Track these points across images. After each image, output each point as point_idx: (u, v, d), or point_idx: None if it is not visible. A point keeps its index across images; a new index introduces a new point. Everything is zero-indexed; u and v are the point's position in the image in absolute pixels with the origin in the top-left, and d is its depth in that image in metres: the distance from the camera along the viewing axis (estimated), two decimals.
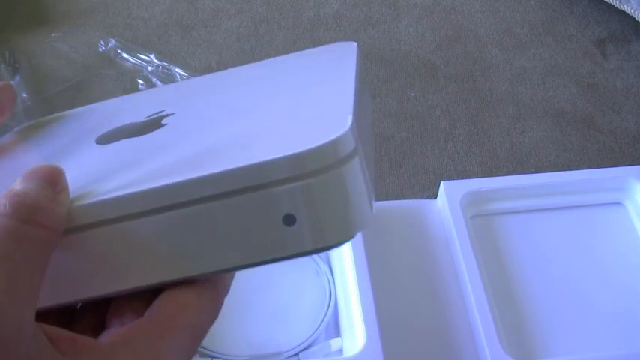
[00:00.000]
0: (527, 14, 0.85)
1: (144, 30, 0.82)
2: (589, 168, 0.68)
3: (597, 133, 0.73)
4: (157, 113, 0.32)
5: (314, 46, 0.37)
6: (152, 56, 0.77)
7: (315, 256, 0.60)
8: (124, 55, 0.78)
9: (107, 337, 0.26)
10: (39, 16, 0.83)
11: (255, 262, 0.26)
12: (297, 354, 0.55)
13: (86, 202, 0.26)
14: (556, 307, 0.58)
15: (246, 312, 0.57)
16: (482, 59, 0.80)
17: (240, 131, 0.28)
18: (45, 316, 0.26)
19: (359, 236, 0.57)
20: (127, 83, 0.75)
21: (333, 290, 0.58)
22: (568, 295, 0.58)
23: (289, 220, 0.25)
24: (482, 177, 0.68)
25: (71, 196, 0.26)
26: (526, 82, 0.78)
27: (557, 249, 0.61)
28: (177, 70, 0.76)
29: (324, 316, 0.56)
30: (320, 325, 0.56)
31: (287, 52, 0.38)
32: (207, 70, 0.78)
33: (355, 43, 0.34)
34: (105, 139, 0.32)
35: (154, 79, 0.75)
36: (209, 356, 0.54)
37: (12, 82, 0.73)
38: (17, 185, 0.25)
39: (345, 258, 0.57)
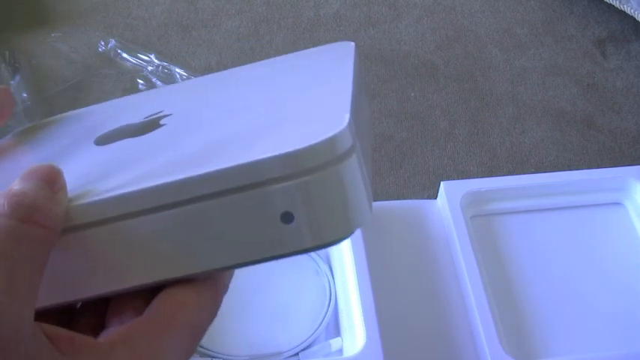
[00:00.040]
0: (527, 14, 0.85)
1: (144, 30, 0.82)
2: (589, 168, 0.68)
3: (597, 133, 0.73)
4: (155, 114, 0.32)
5: (314, 46, 0.37)
6: (152, 56, 0.77)
7: (315, 256, 0.60)
8: (124, 55, 0.78)
9: (106, 336, 0.26)
10: (39, 16, 0.83)
11: (254, 260, 0.26)
12: (297, 354, 0.55)
13: (84, 201, 0.26)
14: (556, 307, 0.58)
15: (246, 312, 0.57)
16: (482, 59, 0.80)
17: (238, 130, 0.28)
18: (44, 315, 0.26)
19: (359, 236, 0.57)
20: (127, 83, 0.75)
21: (333, 290, 0.58)
22: (568, 295, 0.58)
23: (287, 217, 0.25)
24: (483, 177, 0.68)
25: (69, 195, 0.26)
26: (526, 82, 0.78)
27: (557, 249, 0.61)
28: (177, 70, 0.76)
29: (324, 316, 0.56)
30: (320, 325, 0.56)
31: (287, 52, 0.38)
32: (207, 70, 0.78)
33: (353, 43, 0.34)
34: (103, 140, 0.32)
35: (154, 79, 0.75)
36: (209, 356, 0.54)
37: (12, 82, 0.73)
38: (15, 185, 0.25)
39: (345, 258, 0.57)
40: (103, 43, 0.79)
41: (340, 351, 0.55)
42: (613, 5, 0.82)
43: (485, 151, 0.71)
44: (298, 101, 0.30)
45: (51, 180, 0.26)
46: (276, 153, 0.24)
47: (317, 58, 0.35)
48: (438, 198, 0.64)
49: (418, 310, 0.58)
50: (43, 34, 0.80)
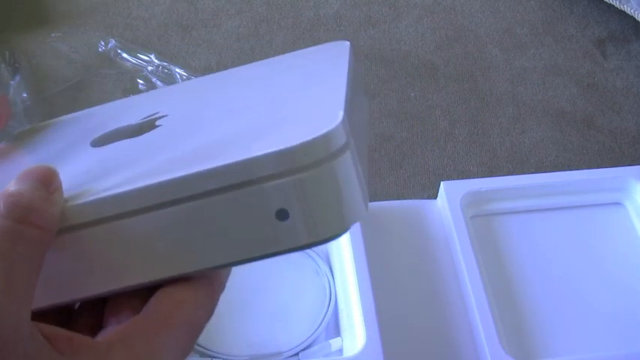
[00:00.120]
0: (527, 14, 0.85)
1: (144, 30, 0.82)
2: (589, 168, 0.68)
3: (597, 133, 0.73)
4: (150, 115, 0.33)
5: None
6: (152, 56, 0.77)
7: (315, 256, 0.60)
8: (124, 55, 0.78)
9: (104, 335, 0.26)
10: (39, 16, 0.83)
11: (250, 257, 0.26)
12: (297, 354, 0.55)
13: (79, 201, 0.26)
14: (556, 307, 0.58)
15: (246, 312, 0.57)
16: (482, 59, 0.80)
17: (233, 129, 0.28)
18: (43, 316, 0.26)
19: (359, 237, 0.57)
20: (127, 83, 0.75)
21: (333, 290, 0.58)
22: (568, 295, 0.58)
23: (282, 214, 0.25)
24: (483, 177, 0.68)
25: (65, 196, 0.26)
26: (526, 82, 0.78)
27: (557, 249, 0.61)
28: (177, 70, 0.76)
29: (324, 316, 0.56)
30: (320, 325, 0.56)
31: (286, 52, 0.38)
32: (207, 70, 0.78)
33: (348, 42, 0.34)
34: (99, 142, 0.32)
35: (154, 79, 0.75)
36: (209, 356, 0.54)
37: (12, 82, 0.73)
38: (11, 186, 0.26)
39: (345, 258, 0.57)
40: (103, 43, 0.79)
41: (340, 351, 0.55)
42: (613, 5, 0.82)
43: (485, 151, 0.71)
44: (292, 100, 0.30)
45: (47, 181, 0.26)
46: (270, 150, 0.24)
47: (312, 57, 0.35)
48: (438, 198, 0.64)
49: (418, 310, 0.58)
50: (43, 34, 0.80)
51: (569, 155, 0.71)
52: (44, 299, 0.27)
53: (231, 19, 0.83)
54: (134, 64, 0.77)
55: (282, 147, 0.24)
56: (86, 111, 0.38)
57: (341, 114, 0.25)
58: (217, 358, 0.54)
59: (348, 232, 0.58)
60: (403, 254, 0.61)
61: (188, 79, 0.75)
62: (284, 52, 0.38)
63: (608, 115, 0.75)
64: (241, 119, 0.29)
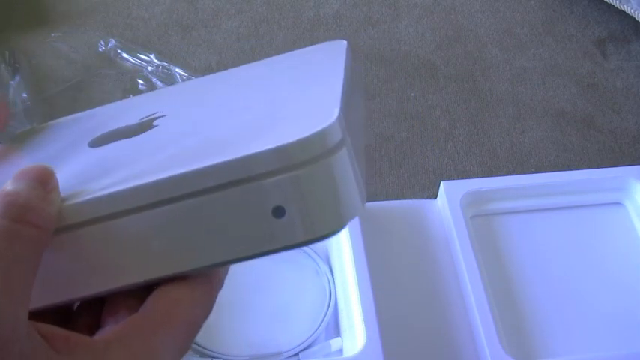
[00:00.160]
0: (527, 14, 0.85)
1: (144, 30, 0.82)
2: (589, 168, 0.68)
3: (597, 133, 0.73)
4: (148, 116, 0.33)
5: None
6: (152, 56, 0.77)
7: (315, 256, 0.60)
8: (124, 55, 0.78)
9: (101, 334, 0.26)
10: (39, 16, 0.83)
11: (247, 255, 0.26)
12: (297, 354, 0.55)
13: (75, 201, 0.26)
14: (556, 307, 0.58)
15: (246, 312, 0.57)
16: (482, 59, 0.80)
17: (229, 128, 0.28)
18: (41, 316, 0.26)
19: (359, 237, 0.57)
20: (127, 83, 0.75)
21: (333, 290, 0.58)
22: (568, 295, 0.58)
23: (279, 212, 0.25)
24: (483, 177, 0.68)
25: (62, 196, 0.26)
26: (526, 82, 0.78)
27: (557, 249, 0.61)
28: (177, 70, 0.76)
29: (324, 316, 0.56)
30: (320, 325, 0.56)
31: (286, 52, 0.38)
32: (207, 70, 0.78)
33: (345, 42, 0.34)
34: (97, 143, 0.32)
35: (153, 79, 0.75)
36: (209, 356, 0.54)
37: (12, 82, 0.73)
38: (8, 186, 0.26)
39: (345, 258, 0.57)
40: (103, 43, 0.79)
41: (340, 351, 0.55)
42: (613, 5, 0.82)
43: (485, 151, 0.71)
44: (289, 99, 0.30)
45: (43, 180, 0.26)
46: (266, 147, 0.24)
47: (309, 57, 0.36)
48: (438, 198, 0.64)
49: (418, 310, 0.58)
50: (43, 34, 0.80)
51: (569, 155, 0.71)
52: (42, 299, 0.27)
53: (231, 19, 0.83)
54: (134, 64, 0.77)
55: (277, 144, 0.24)
56: (86, 112, 0.38)
57: (337, 111, 0.25)
58: (217, 358, 0.54)
59: (348, 232, 0.58)
60: (403, 254, 0.61)
61: (188, 79, 0.75)
62: (284, 52, 0.38)
63: (608, 115, 0.75)
64: (237, 118, 0.29)
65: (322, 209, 0.25)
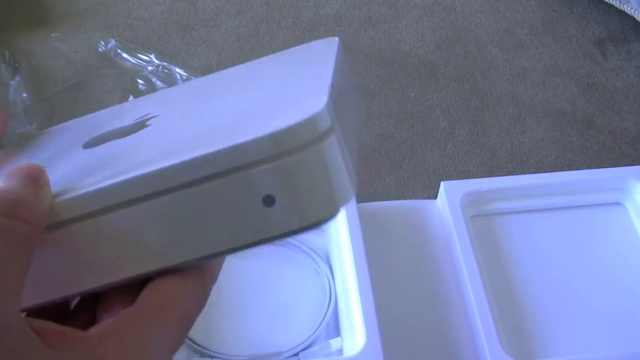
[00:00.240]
0: (527, 14, 0.85)
1: (144, 30, 0.82)
2: (589, 168, 0.68)
3: (597, 133, 0.73)
4: (142, 117, 0.33)
5: None
6: (152, 56, 0.77)
7: (315, 256, 0.60)
8: (124, 55, 0.78)
9: (95, 329, 0.26)
10: (39, 16, 0.83)
11: (239, 246, 0.26)
12: (297, 354, 0.55)
13: (66, 196, 0.26)
14: (556, 307, 0.58)
15: (246, 312, 0.57)
16: (482, 59, 0.80)
17: (219, 122, 0.28)
18: (38, 315, 0.26)
19: (359, 237, 0.57)
20: (127, 83, 0.75)
21: (333, 290, 0.58)
22: (568, 295, 0.58)
23: (269, 200, 0.25)
24: (483, 177, 0.68)
25: (54, 193, 0.26)
26: (526, 82, 0.78)
27: (557, 249, 0.61)
28: (177, 70, 0.76)
29: (324, 316, 0.56)
30: (320, 325, 0.56)
31: None
32: (207, 70, 0.78)
33: (337, 38, 0.34)
34: (91, 144, 0.32)
35: (153, 79, 0.75)
36: (209, 356, 0.54)
37: (12, 82, 0.73)
38: None
39: (345, 258, 0.57)
40: (103, 43, 0.79)
41: (340, 351, 0.55)
42: (613, 5, 0.82)
43: (485, 151, 0.71)
44: (279, 92, 0.30)
45: (34, 177, 0.26)
46: (253, 136, 0.24)
47: (301, 54, 0.36)
48: (438, 198, 0.64)
49: (418, 310, 0.58)
50: (43, 34, 0.80)
51: (569, 155, 0.71)
52: (36, 297, 0.27)
53: (231, 19, 0.83)
54: (134, 64, 0.77)
55: (265, 132, 0.24)
56: (82, 117, 0.38)
57: (324, 99, 0.25)
58: (217, 358, 0.54)
59: (348, 232, 0.58)
60: (403, 254, 0.61)
61: (188, 79, 0.75)
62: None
63: (608, 115, 0.75)
64: (228, 113, 0.29)
65: (312, 196, 0.25)
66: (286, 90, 0.30)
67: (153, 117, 0.32)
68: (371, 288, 0.54)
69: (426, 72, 0.78)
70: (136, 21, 0.83)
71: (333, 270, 0.59)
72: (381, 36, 0.82)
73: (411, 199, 0.67)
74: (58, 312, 0.29)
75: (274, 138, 0.24)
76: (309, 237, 0.61)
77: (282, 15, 0.84)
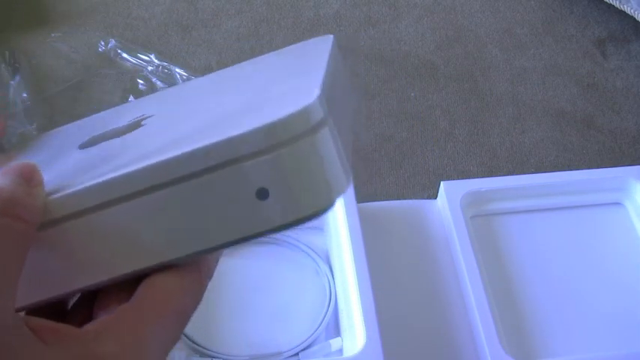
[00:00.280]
0: (527, 14, 0.85)
1: (144, 30, 0.82)
2: (589, 168, 0.68)
3: (597, 133, 0.73)
4: (137, 117, 0.33)
5: None
6: (152, 56, 0.77)
7: (315, 256, 0.60)
8: (124, 55, 0.78)
9: (91, 325, 0.26)
10: (39, 16, 0.83)
11: (234, 240, 0.26)
12: (297, 354, 0.55)
13: (59, 194, 0.26)
14: (556, 307, 0.58)
15: (246, 312, 0.57)
16: (483, 59, 0.80)
17: (212, 118, 0.28)
18: (35, 314, 0.26)
19: (359, 237, 0.57)
20: (127, 83, 0.75)
21: (333, 290, 0.58)
22: (568, 295, 0.58)
23: (262, 193, 0.25)
24: (483, 177, 0.68)
25: (48, 191, 0.27)
26: (526, 82, 0.78)
27: (557, 249, 0.61)
28: (177, 70, 0.76)
29: (324, 316, 0.56)
30: (320, 325, 0.56)
31: None
32: (207, 70, 0.78)
33: (332, 36, 0.34)
34: (87, 144, 0.32)
35: (153, 79, 0.75)
36: (209, 356, 0.54)
37: (12, 82, 0.73)
38: None
39: (345, 258, 0.57)
40: (103, 43, 0.79)
41: (340, 351, 0.55)
42: (613, 5, 0.82)
43: (485, 151, 0.71)
44: (273, 87, 0.30)
45: (27, 176, 0.26)
46: (245, 129, 0.24)
47: (296, 52, 0.36)
48: (438, 198, 0.64)
49: (418, 310, 0.58)
50: (43, 34, 0.80)
51: (569, 155, 0.71)
52: (31, 296, 0.27)
53: (231, 19, 0.83)
54: (134, 64, 0.77)
55: (256, 125, 0.24)
56: (83, 120, 0.38)
57: (317, 91, 0.25)
58: (217, 358, 0.54)
59: (348, 232, 0.58)
60: (403, 254, 0.61)
61: (188, 79, 0.75)
62: None
63: (608, 115, 0.75)
64: (221, 109, 0.29)
65: (306, 189, 0.25)
66: (280, 85, 0.30)
67: (148, 117, 0.32)
68: (371, 288, 0.54)
69: (426, 72, 0.78)
70: (136, 21, 0.83)
71: (333, 270, 0.59)
72: (381, 36, 0.82)
73: (411, 199, 0.67)
74: (56, 312, 0.29)
75: (266, 130, 0.24)
76: (309, 237, 0.61)
77: (282, 15, 0.84)
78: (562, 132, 0.73)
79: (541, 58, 0.80)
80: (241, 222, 0.25)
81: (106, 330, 0.25)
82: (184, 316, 0.27)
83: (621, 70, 0.79)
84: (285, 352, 0.55)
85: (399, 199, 0.66)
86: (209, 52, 0.79)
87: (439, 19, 0.84)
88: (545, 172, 0.66)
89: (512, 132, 0.73)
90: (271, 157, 0.24)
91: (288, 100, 0.26)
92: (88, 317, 0.28)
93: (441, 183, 0.63)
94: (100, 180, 0.26)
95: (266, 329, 0.56)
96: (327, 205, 0.25)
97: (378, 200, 0.65)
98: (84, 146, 0.32)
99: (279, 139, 0.24)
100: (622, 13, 0.83)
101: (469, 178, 0.67)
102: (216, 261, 0.29)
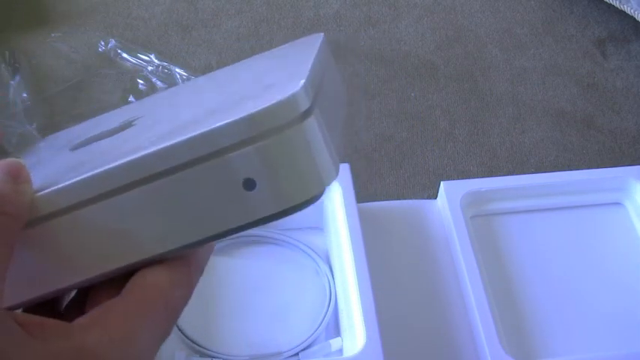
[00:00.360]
0: (527, 14, 0.85)
1: (144, 30, 0.82)
2: (589, 168, 0.68)
3: (597, 133, 0.73)
4: (128, 119, 0.33)
5: None
6: (152, 56, 0.77)
7: (315, 256, 0.60)
8: (124, 55, 0.78)
9: (80, 320, 0.26)
10: (39, 16, 0.83)
11: (223, 231, 0.26)
12: (297, 354, 0.55)
13: (46, 191, 0.26)
14: (556, 307, 0.58)
15: (246, 312, 0.57)
16: (482, 59, 0.80)
17: (200, 113, 0.28)
18: (30, 312, 0.26)
19: (359, 237, 0.57)
20: (127, 83, 0.75)
21: (333, 290, 0.58)
22: (568, 295, 0.58)
23: (249, 184, 0.25)
24: (483, 177, 0.68)
25: (35, 189, 0.27)
26: (526, 82, 0.78)
27: (557, 249, 0.61)
28: (177, 70, 0.76)
29: (324, 316, 0.56)
30: (320, 325, 0.56)
31: None
32: (207, 70, 0.78)
33: (322, 34, 0.34)
34: (77, 146, 0.32)
35: (153, 79, 0.75)
36: (209, 356, 0.54)
37: (12, 82, 0.73)
38: None
39: (345, 258, 0.57)
40: (103, 43, 0.79)
41: (340, 351, 0.55)
42: (613, 5, 0.82)
43: (485, 151, 0.71)
44: (260, 82, 0.30)
45: (14, 173, 0.26)
46: (230, 120, 0.24)
47: (286, 50, 0.36)
48: (438, 198, 0.64)
49: (418, 310, 0.58)
50: (43, 34, 0.80)
51: (569, 155, 0.71)
52: (23, 294, 0.27)
53: (231, 19, 0.83)
54: (134, 64, 0.77)
55: (241, 115, 0.24)
56: (77, 126, 0.39)
57: (302, 82, 0.25)
58: (217, 358, 0.54)
59: (348, 232, 0.58)
60: (403, 254, 0.61)
61: (188, 79, 0.75)
62: None
63: (608, 115, 0.75)
64: (209, 105, 0.30)
65: (292, 179, 0.25)
66: (266, 80, 0.30)
67: (138, 118, 0.32)
68: (371, 288, 0.54)
69: (426, 72, 0.78)
70: (136, 21, 0.83)
71: (333, 270, 0.59)
72: (381, 36, 0.82)
73: (411, 199, 0.67)
74: (51, 311, 0.29)
75: (250, 120, 0.24)
76: (309, 237, 0.61)
77: (282, 15, 0.84)
78: (562, 132, 0.73)
79: (541, 58, 0.80)
80: (229, 214, 0.25)
81: (94, 323, 0.25)
82: (174, 311, 0.27)
83: (621, 70, 0.79)
84: (285, 352, 0.55)
85: (399, 199, 0.66)
86: (209, 52, 0.79)
87: (439, 19, 0.84)
88: (545, 172, 0.66)
89: (512, 132, 0.73)
90: (256, 147, 0.24)
91: (274, 92, 0.25)
92: (82, 314, 0.28)
93: (441, 183, 0.63)
94: (85, 176, 0.26)
95: (266, 329, 0.56)
96: (315, 195, 0.25)
97: (378, 200, 0.65)
98: (74, 148, 0.32)
99: (264, 129, 0.24)
100: (622, 13, 0.83)
101: (469, 178, 0.67)
102: (207, 255, 0.29)
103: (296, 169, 0.25)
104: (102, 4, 0.84)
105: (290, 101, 0.24)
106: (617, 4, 0.81)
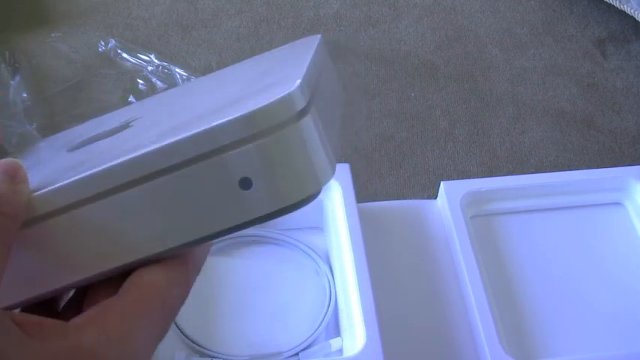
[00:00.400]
0: (527, 14, 0.85)
1: (144, 30, 0.82)
2: (589, 168, 0.68)
3: (597, 133, 0.73)
4: (126, 120, 0.33)
5: None
6: (152, 56, 0.77)
7: (315, 256, 0.60)
8: (124, 55, 0.78)
9: (77, 319, 0.26)
10: (39, 16, 0.83)
11: (220, 231, 0.26)
12: (297, 354, 0.55)
13: (43, 190, 0.26)
14: (556, 307, 0.58)
15: (246, 312, 0.57)
16: (482, 59, 0.80)
17: (197, 113, 0.29)
18: (28, 312, 0.26)
19: (359, 237, 0.57)
20: (127, 83, 0.75)
21: (333, 290, 0.58)
22: (568, 295, 0.58)
23: (245, 183, 0.25)
24: (483, 177, 0.68)
25: (32, 189, 0.27)
26: (526, 82, 0.78)
27: (557, 249, 0.61)
28: (177, 70, 0.76)
29: (324, 316, 0.56)
30: (320, 325, 0.56)
31: None
32: (207, 70, 0.78)
33: (320, 35, 0.34)
34: (75, 147, 0.32)
35: (153, 79, 0.75)
36: (209, 356, 0.54)
37: (12, 82, 0.73)
38: None
39: (345, 258, 0.57)
40: (103, 43, 0.79)
41: (340, 351, 0.55)
42: (613, 5, 0.82)
43: (485, 151, 0.71)
44: (257, 83, 0.30)
45: (11, 173, 0.26)
46: (225, 119, 0.24)
47: (284, 51, 0.36)
48: (438, 198, 0.64)
49: (418, 310, 0.58)
50: (43, 34, 0.80)
51: (569, 155, 0.71)
52: (20, 294, 0.27)
53: (231, 19, 0.83)
54: (134, 64, 0.77)
55: (237, 114, 0.24)
56: (75, 127, 0.39)
57: (298, 82, 0.25)
58: (217, 358, 0.54)
59: (348, 232, 0.58)
60: (403, 254, 0.61)
61: (188, 79, 0.75)
62: None
63: (608, 115, 0.75)
64: (206, 105, 0.30)
65: (288, 178, 0.25)
66: (263, 80, 0.30)
67: (136, 119, 0.32)
68: (371, 288, 0.54)
69: (426, 72, 0.78)
70: (136, 21, 0.83)
71: (333, 270, 0.59)
72: (381, 36, 0.82)
73: (411, 199, 0.67)
74: (50, 311, 0.29)
75: (246, 119, 0.24)
76: (309, 237, 0.61)
77: (282, 15, 0.84)
78: (562, 132, 0.73)
79: (541, 58, 0.80)
80: (225, 213, 0.25)
81: (91, 322, 0.25)
82: (171, 310, 0.27)
83: (621, 70, 0.79)
84: (285, 352, 0.55)
85: (399, 199, 0.66)
86: (209, 52, 0.80)
87: (439, 19, 0.84)
88: (545, 172, 0.66)
89: (512, 132, 0.73)
90: (252, 146, 0.24)
91: (270, 91, 0.25)
92: (79, 314, 0.28)
93: (441, 183, 0.63)
94: (81, 176, 0.26)
95: (266, 329, 0.56)
96: (311, 194, 0.25)
97: (378, 200, 0.65)
98: (72, 149, 0.32)
99: (260, 128, 0.24)
100: (622, 13, 0.83)
101: (469, 178, 0.67)
102: (205, 254, 0.29)
103: (292, 168, 0.25)
104: (102, 4, 0.84)
105: (286, 100, 0.24)
106: (617, 4, 0.81)
